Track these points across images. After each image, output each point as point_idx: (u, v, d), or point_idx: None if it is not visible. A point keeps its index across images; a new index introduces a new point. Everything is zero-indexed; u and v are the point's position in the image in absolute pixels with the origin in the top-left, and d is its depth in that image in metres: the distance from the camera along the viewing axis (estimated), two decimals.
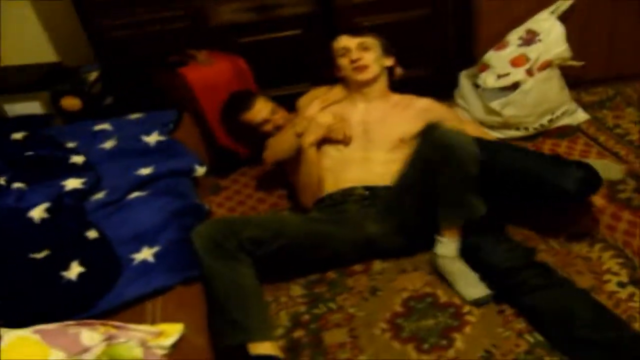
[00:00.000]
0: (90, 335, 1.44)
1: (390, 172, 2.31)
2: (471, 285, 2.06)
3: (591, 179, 2.09)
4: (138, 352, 1.41)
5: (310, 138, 2.42)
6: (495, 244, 2.07)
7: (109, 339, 1.45)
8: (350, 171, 2.40)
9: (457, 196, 2.05)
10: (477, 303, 2.03)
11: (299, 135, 2.48)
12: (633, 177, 2.55)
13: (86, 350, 1.40)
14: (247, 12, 2.95)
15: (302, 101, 2.75)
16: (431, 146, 2.02)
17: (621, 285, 2.04)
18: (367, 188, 2.33)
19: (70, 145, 2.45)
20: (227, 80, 2.81)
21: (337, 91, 2.64)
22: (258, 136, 2.75)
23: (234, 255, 1.94)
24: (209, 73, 2.78)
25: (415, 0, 3.02)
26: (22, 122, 2.75)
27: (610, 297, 1.99)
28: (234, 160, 3.02)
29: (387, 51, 2.59)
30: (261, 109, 2.70)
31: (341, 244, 2.23)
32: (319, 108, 2.58)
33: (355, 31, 2.58)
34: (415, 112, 2.53)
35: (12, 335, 1.41)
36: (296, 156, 2.50)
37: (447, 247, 2.10)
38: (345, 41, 2.53)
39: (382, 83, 2.59)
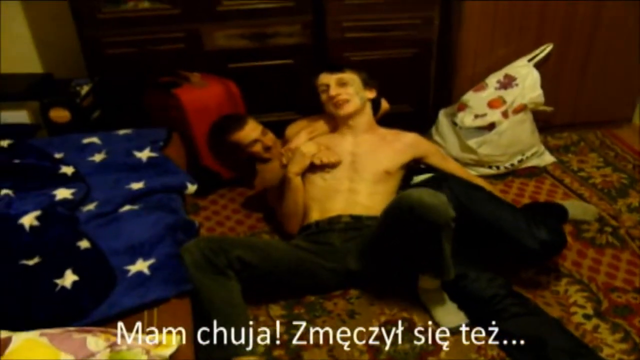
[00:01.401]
0: (95, 341, 1.47)
1: (375, 203, 2.41)
2: (449, 314, 2.17)
3: (555, 243, 2.20)
4: (144, 359, 1.45)
5: (295, 168, 2.49)
6: (479, 273, 2.17)
7: (112, 346, 1.49)
8: (336, 201, 2.47)
9: (432, 259, 2.10)
10: (453, 331, 2.12)
11: (284, 166, 2.55)
12: (597, 220, 2.71)
13: (93, 355, 1.43)
14: (242, 39, 3.03)
15: (290, 130, 2.81)
16: (408, 211, 1.99)
17: (587, 317, 2.16)
18: (353, 217, 2.41)
19: (58, 156, 2.47)
20: (219, 103, 2.87)
21: (324, 122, 2.71)
22: (243, 158, 2.80)
23: (223, 271, 2.01)
24: (202, 95, 2.84)
25: (402, 40, 3.13)
26: (6, 130, 2.76)
27: (577, 328, 2.11)
28: (215, 182, 3.08)
29: (367, 84, 2.65)
30: (252, 130, 2.73)
31: (324, 274, 2.31)
32: (306, 139, 2.64)
33: (333, 68, 2.65)
34: (402, 146, 2.62)
35: (21, 337, 1.43)
36: (281, 185, 2.57)
37: (430, 282, 2.19)
38: (325, 78, 2.60)
39: (367, 115, 2.65)
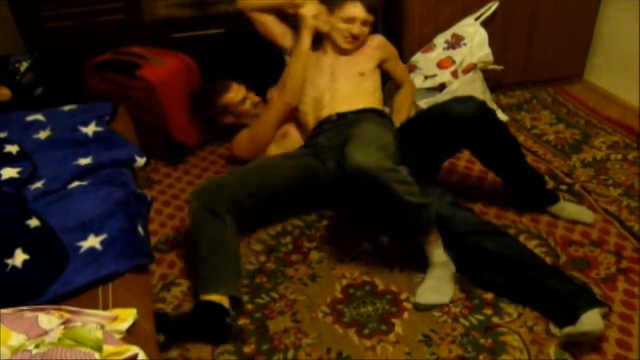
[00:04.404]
0: (48, 319, 1.42)
1: (356, 99, 2.63)
2: (432, 292, 2.12)
3: (480, 103, 2.27)
4: (99, 334, 1.40)
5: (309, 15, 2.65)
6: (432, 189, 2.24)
7: (66, 323, 1.45)
8: (324, 108, 2.65)
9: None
10: (419, 307, 2.09)
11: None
12: (551, 177, 2.73)
13: (46, 333, 1.38)
14: (183, 8, 2.96)
15: (272, 93, 2.88)
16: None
17: None
18: (339, 115, 2.59)
19: (2, 135, 2.38)
20: (181, 78, 2.91)
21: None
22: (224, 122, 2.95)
23: (220, 216, 2.20)
24: (166, 73, 2.85)
25: None
26: None
27: None
28: (184, 152, 3.14)
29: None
30: (238, 90, 2.87)
31: (321, 170, 2.47)
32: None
33: (367, 7, 2.65)
34: (371, 50, 2.74)
35: None
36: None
37: (441, 255, 2.14)
38: (355, 11, 2.63)
39: None
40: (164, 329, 1.97)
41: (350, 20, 2.62)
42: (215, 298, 2.03)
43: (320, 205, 2.61)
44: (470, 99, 2.24)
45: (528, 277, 2.01)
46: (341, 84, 2.66)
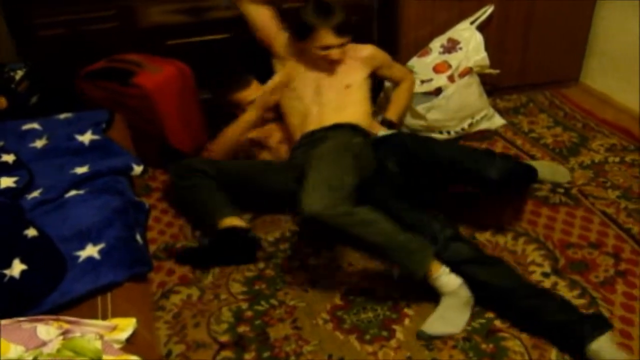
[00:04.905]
0: (47, 330, 1.41)
1: (344, 110, 2.61)
2: (439, 322, 2.03)
3: (514, 170, 2.33)
4: (98, 344, 1.39)
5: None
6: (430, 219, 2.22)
7: (65, 333, 1.43)
8: (310, 122, 2.62)
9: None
10: (421, 336, 2.00)
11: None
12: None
13: (44, 344, 1.37)
14: (177, 15, 2.96)
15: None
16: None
17: (545, 275, 2.19)
18: (321, 129, 2.56)
19: None
20: (176, 84, 2.89)
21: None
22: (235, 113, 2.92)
23: (192, 175, 2.53)
24: (161, 79, 2.82)
25: (343, 7, 3.05)
26: None
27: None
28: (180, 159, 3.02)
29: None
30: (257, 89, 2.86)
31: (280, 182, 2.54)
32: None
33: (339, 29, 2.52)
34: (359, 62, 2.72)
35: None
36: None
37: (447, 284, 2.04)
38: (329, 39, 2.52)
39: None
40: (192, 261, 2.36)
41: (326, 48, 2.55)
42: (228, 222, 2.37)
43: None
44: (507, 161, 2.42)
45: (522, 307, 1.98)
46: (327, 97, 2.64)
